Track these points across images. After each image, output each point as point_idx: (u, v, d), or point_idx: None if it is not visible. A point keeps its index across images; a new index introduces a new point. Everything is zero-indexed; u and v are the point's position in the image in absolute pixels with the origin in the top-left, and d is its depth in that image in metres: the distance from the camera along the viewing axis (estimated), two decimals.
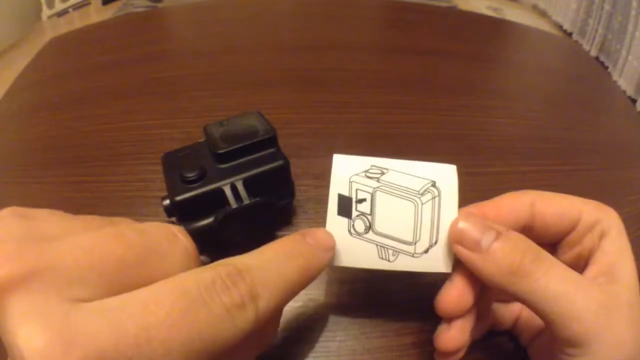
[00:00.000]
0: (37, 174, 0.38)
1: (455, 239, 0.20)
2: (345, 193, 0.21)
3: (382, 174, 0.21)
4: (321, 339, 0.26)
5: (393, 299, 0.28)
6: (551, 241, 0.22)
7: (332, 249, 0.21)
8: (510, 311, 0.25)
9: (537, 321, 0.23)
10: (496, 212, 0.21)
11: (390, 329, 0.26)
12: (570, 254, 0.21)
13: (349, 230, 0.21)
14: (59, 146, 0.40)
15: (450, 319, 0.21)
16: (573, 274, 0.19)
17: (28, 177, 0.37)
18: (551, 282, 0.18)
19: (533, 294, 0.18)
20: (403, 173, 0.21)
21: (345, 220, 0.21)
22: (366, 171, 0.21)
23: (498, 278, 0.19)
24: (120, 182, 0.36)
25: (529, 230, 0.21)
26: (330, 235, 0.21)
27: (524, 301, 0.19)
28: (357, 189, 0.21)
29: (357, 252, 0.21)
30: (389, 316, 0.27)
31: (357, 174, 0.21)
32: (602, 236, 0.20)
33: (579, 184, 0.38)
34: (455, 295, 0.20)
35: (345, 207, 0.21)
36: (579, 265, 0.21)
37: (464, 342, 0.21)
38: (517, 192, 0.22)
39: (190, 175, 0.27)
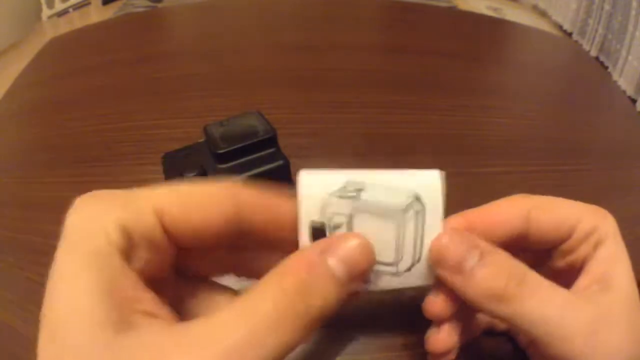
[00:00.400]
0: (37, 174, 0.38)
1: (437, 261, 0.19)
2: (318, 219, 0.18)
3: (360, 190, 0.19)
4: (320, 338, 0.26)
5: (393, 298, 0.28)
6: (545, 248, 0.21)
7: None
8: None
9: None
10: (487, 222, 0.20)
11: (390, 329, 0.26)
12: (564, 261, 0.21)
13: None
14: (59, 146, 0.40)
15: (439, 322, 0.21)
16: (561, 293, 0.18)
17: (28, 177, 0.37)
18: (537, 305, 0.17)
19: (518, 318, 0.17)
20: (382, 187, 0.19)
21: None
22: (341, 189, 0.18)
23: (481, 301, 0.18)
24: (120, 182, 0.36)
25: (523, 238, 0.20)
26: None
27: (509, 324, 0.18)
28: (332, 213, 0.18)
29: None
30: (390, 316, 0.27)
31: (330, 195, 0.18)
32: (597, 245, 0.19)
33: (578, 184, 0.38)
34: (441, 299, 0.20)
35: (319, 235, 0.18)
36: (572, 272, 0.20)
37: (453, 344, 0.21)
38: (512, 198, 0.21)
39: (190, 175, 0.27)
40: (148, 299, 0.15)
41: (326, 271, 0.16)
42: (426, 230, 0.19)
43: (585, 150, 0.43)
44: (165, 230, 0.16)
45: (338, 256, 0.17)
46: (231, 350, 0.14)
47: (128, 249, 0.15)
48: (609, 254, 0.19)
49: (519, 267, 0.18)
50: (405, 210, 0.19)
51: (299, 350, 0.25)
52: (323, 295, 0.16)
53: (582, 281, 0.20)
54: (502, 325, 0.25)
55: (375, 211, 0.19)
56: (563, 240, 0.20)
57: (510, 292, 0.17)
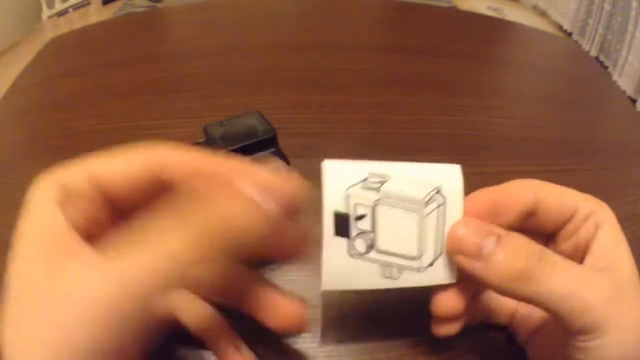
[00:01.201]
0: (37, 174, 0.37)
1: (455, 249, 0.19)
2: (342, 210, 0.18)
3: (382, 182, 0.19)
4: (320, 339, 0.26)
5: (395, 297, 0.28)
6: (549, 231, 0.22)
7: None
8: (505, 307, 0.25)
9: (534, 319, 0.23)
10: (506, 198, 0.21)
11: (391, 328, 0.26)
12: (567, 244, 0.21)
13: (349, 252, 0.19)
14: (59, 146, 0.40)
15: (447, 319, 0.21)
16: (578, 268, 0.19)
17: (28, 177, 0.37)
18: (557, 282, 0.18)
19: (540, 296, 0.18)
20: (405, 179, 0.19)
21: (343, 240, 0.19)
22: (364, 180, 0.19)
23: (503, 285, 0.18)
24: None
25: (532, 216, 0.21)
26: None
27: (531, 302, 0.19)
28: (355, 204, 0.18)
29: (359, 274, 0.19)
30: (391, 316, 0.27)
31: (353, 186, 0.18)
32: (597, 227, 0.20)
33: (578, 184, 0.38)
34: (452, 295, 0.21)
35: (343, 226, 0.19)
36: (577, 255, 0.21)
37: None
38: (523, 180, 0.22)
39: None
40: (75, 239, 0.17)
41: (242, 196, 0.16)
42: (447, 224, 0.20)
43: (585, 150, 0.43)
44: (97, 187, 0.20)
45: (253, 181, 0.17)
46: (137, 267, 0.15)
47: (63, 199, 0.18)
48: (609, 237, 0.20)
49: (536, 246, 0.19)
50: (426, 202, 0.19)
51: (300, 350, 0.25)
52: (242, 222, 0.16)
53: (587, 263, 0.20)
54: (500, 317, 0.25)
55: (398, 203, 0.19)
56: (565, 221, 0.21)
57: (531, 271, 0.18)
